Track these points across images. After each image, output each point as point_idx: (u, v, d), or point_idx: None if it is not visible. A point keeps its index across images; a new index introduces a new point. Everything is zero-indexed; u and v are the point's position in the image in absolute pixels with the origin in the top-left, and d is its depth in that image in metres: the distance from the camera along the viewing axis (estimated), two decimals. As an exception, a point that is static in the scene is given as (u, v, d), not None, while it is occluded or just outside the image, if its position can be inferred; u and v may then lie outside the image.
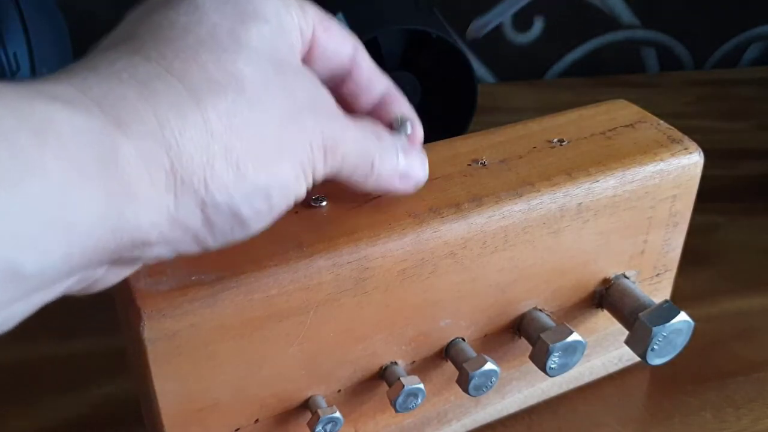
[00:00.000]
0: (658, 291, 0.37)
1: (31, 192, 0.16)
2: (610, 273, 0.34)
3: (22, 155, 0.16)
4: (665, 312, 0.31)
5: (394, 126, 0.28)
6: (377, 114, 0.28)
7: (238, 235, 0.22)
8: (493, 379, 0.30)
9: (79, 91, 0.18)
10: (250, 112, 0.21)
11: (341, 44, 0.27)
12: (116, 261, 0.20)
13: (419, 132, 0.29)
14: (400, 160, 0.27)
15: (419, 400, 0.29)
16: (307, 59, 0.26)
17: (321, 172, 0.23)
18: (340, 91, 0.28)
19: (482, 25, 0.32)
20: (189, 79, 0.20)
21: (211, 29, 0.21)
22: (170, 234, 0.20)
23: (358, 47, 0.27)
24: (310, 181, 0.23)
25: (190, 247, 0.21)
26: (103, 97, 0.18)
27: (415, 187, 0.28)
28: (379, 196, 0.29)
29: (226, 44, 0.21)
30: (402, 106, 0.29)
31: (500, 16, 0.32)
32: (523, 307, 0.32)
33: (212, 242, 0.21)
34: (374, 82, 0.28)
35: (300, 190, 0.23)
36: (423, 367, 0.31)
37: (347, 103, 0.28)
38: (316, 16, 0.25)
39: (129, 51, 0.20)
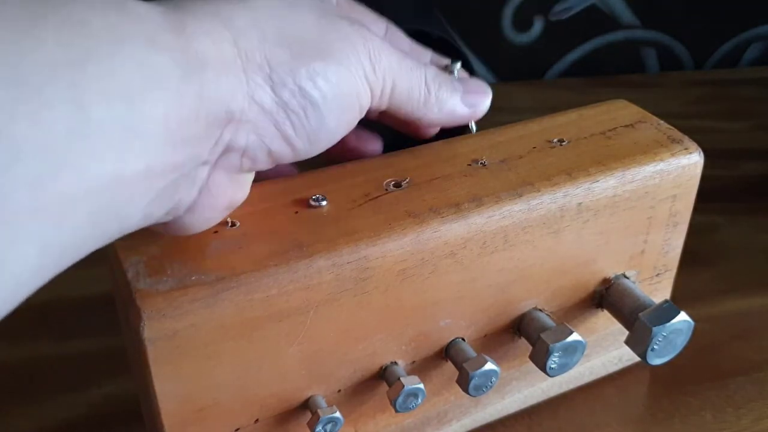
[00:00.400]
0: (658, 291, 0.37)
1: (126, 54, 0.18)
2: (610, 273, 0.34)
3: (114, 24, 0.18)
4: (665, 312, 0.31)
5: (445, 69, 0.30)
6: None
7: (315, 123, 0.24)
8: (493, 379, 0.30)
9: None
10: (287, 7, 0.23)
11: (372, 24, 0.28)
12: (212, 156, 0.22)
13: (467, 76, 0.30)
14: (455, 84, 0.29)
15: (419, 400, 0.29)
16: None
17: (374, 81, 0.25)
18: None
19: (566, 8, 0.33)
20: None
21: None
22: (250, 113, 0.22)
23: (390, 28, 0.29)
24: (367, 88, 0.25)
25: (276, 142, 0.23)
26: (164, 2, 0.21)
27: (482, 110, 0.30)
28: (378, 196, 0.29)
29: None
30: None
31: (584, 2, 0.32)
32: (523, 307, 0.32)
33: (293, 133, 0.23)
34: (418, 58, 0.29)
35: (359, 89, 0.25)
36: (423, 367, 0.31)
37: None
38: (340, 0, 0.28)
39: None
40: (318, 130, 0.24)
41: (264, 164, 0.24)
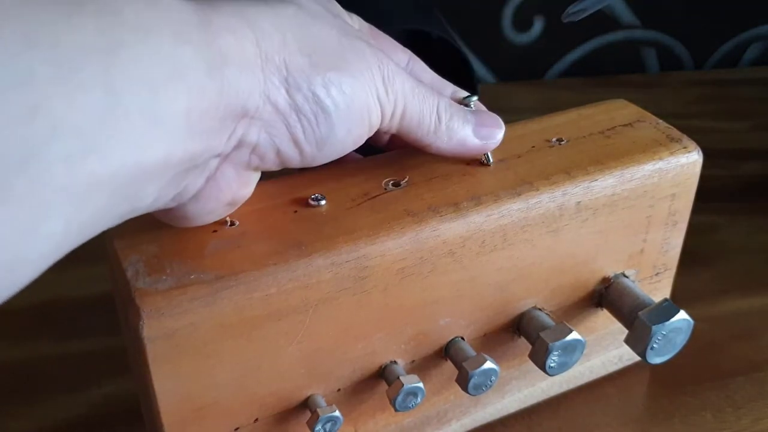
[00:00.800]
0: (658, 290, 0.37)
1: (155, 44, 0.19)
2: (610, 272, 0.34)
3: (143, 15, 0.19)
4: (665, 311, 0.31)
5: (460, 103, 0.30)
6: None
7: (325, 131, 0.24)
8: (493, 378, 0.30)
9: None
10: (312, 21, 0.24)
11: (392, 52, 0.29)
12: (225, 151, 0.23)
13: (482, 107, 0.31)
14: (469, 116, 0.29)
15: (419, 399, 0.29)
16: None
17: (385, 102, 0.26)
18: None
19: (581, 9, 0.33)
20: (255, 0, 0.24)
21: None
22: (264, 111, 0.23)
23: (413, 58, 0.30)
24: (378, 106, 0.26)
25: (286, 143, 0.24)
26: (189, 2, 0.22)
27: (494, 143, 0.30)
28: (377, 195, 0.29)
29: None
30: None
31: (599, 4, 0.32)
32: (523, 306, 0.32)
33: (303, 137, 0.24)
34: (439, 91, 0.30)
35: (371, 105, 0.25)
36: (422, 366, 0.31)
37: None
38: (363, 24, 0.29)
39: None
40: (327, 138, 0.25)
41: (272, 164, 0.25)
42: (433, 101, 0.28)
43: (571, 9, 0.33)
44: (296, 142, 0.24)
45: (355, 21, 0.29)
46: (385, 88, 0.26)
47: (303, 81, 0.23)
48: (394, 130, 0.28)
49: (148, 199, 0.21)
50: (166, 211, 0.24)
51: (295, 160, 0.25)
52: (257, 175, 0.26)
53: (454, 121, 0.29)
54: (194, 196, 0.24)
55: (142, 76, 0.18)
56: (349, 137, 0.25)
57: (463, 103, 0.30)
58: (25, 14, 0.16)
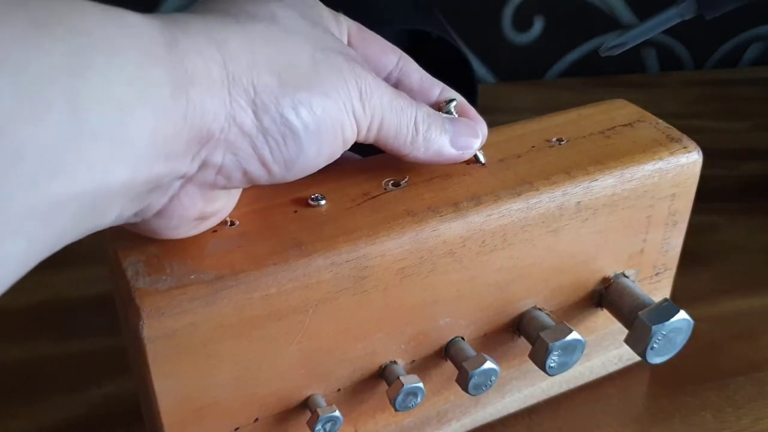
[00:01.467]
0: (658, 290, 0.37)
1: (122, 66, 0.19)
2: (610, 272, 0.34)
3: (112, 37, 0.19)
4: (665, 310, 0.31)
5: (441, 110, 0.30)
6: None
7: (293, 151, 0.24)
8: (493, 378, 0.30)
9: (139, 15, 0.21)
10: (284, 36, 0.24)
11: (381, 54, 0.29)
12: (189, 172, 0.22)
13: (468, 107, 0.31)
14: (446, 126, 0.29)
15: (419, 399, 0.29)
16: None
17: (361, 116, 0.25)
18: None
19: (619, 44, 0.33)
20: (227, 10, 0.23)
21: None
22: (230, 133, 0.22)
23: (404, 58, 0.30)
24: (353, 120, 0.25)
25: (252, 164, 0.23)
26: (161, 17, 0.21)
27: (471, 152, 0.30)
28: (377, 195, 0.29)
29: None
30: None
31: (641, 37, 0.33)
32: (523, 306, 0.32)
33: (270, 158, 0.23)
34: (426, 89, 0.30)
35: (343, 121, 0.25)
36: (422, 366, 0.31)
37: None
38: (352, 26, 0.28)
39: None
40: (296, 158, 0.24)
41: (239, 183, 0.24)
42: (411, 113, 0.27)
43: (609, 43, 0.33)
44: (263, 163, 0.24)
45: (342, 23, 0.28)
46: (362, 103, 0.25)
47: (271, 102, 0.23)
48: (370, 141, 0.27)
49: (110, 216, 0.21)
50: (133, 225, 0.24)
51: (263, 179, 0.24)
52: (226, 192, 0.26)
53: (432, 132, 0.28)
54: (157, 213, 0.23)
55: (109, 98, 0.18)
56: (320, 156, 0.25)
57: (445, 109, 0.30)
58: None
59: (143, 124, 0.19)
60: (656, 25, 0.33)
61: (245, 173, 0.24)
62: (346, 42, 0.28)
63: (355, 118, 0.25)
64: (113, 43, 0.19)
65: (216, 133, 0.22)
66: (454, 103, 0.30)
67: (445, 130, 0.29)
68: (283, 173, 0.24)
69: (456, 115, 0.30)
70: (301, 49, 0.24)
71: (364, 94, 0.25)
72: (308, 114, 0.24)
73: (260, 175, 0.24)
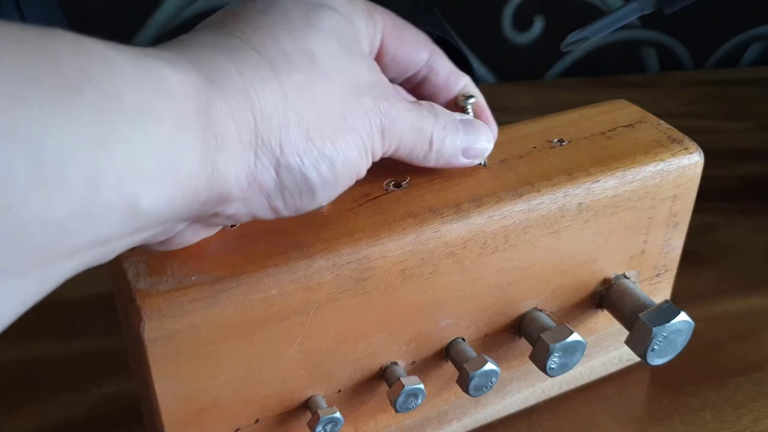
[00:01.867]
0: (659, 291, 0.37)
1: (152, 133, 0.18)
2: (610, 273, 0.34)
3: (145, 101, 0.18)
4: (665, 312, 0.31)
5: (458, 104, 0.30)
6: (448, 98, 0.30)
7: (306, 202, 0.24)
8: (493, 379, 0.30)
9: (177, 53, 0.21)
10: (318, 86, 0.23)
11: (414, 52, 0.28)
12: (199, 218, 0.22)
13: (485, 107, 0.31)
14: (460, 136, 0.29)
15: (419, 400, 0.29)
16: (377, 61, 0.27)
17: (379, 151, 0.25)
18: (418, 92, 0.30)
19: (580, 39, 0.33)
20: (265, 51, 0.22)
21: (284, 13, 0.24)
22: (248, 192, 0.22)
23: (435, 53, 0.29)
24: (370, 160, 0.25)
25: (263, 211, 0.23)
26: (197, 59, 0.21)
27: (481, 158, 0.30)
28: (378, 196, 0.29)
29: (298, 24, 0.23)
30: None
31: (602, 31, 0.32)
32: (524, 307, 0.32)
33: (282, 207, 0.23)
34: (451, 84, 0.30)
35: (361, 166, 0.25)
36: (423, 367, 0.31)
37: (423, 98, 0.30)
38: (387, 23, 0.27)
39: (212, 30, 0.23)
40: (307, 206, 0.24)
41: (244, 221, 0.24)
42: (428, 132, 0.27)
43: (570, 38, 0.33)
44: (274, 210, 0.23)
45: (378, 23, 0.27)
46: (383, 139, 0.25)
47: (295, 162, 0.22)
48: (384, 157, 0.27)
49: (110, 255, 0.20)
50: None
51: (269, 219, 0.24)
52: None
53: (446, 146, 0.28)
54: (159, 243, 0.23)
55: (132, 169, 0.18)
56: (330, 198, 0.25)
57: (461, 103, 0.30)
58: (16, 101, 0.15)
59: (162, 194, 0.19)
60: (616, 20, 0.33)
61: (254, 216, 0.23)
62: (378, 43, 0.27)
63: (373, 155, 0.25)
64: (146, 109, 0.18)
65: (234, 194, 0.22)
66: (472, 101, 0.30)
67: (457, 145, 0.29)
68: (290, 214, 0.24)
69: (472, 115, 0.30)
70: (334, 94, 0.23)
71: (386, 131, 0.25)
72: (329, 170, 0.23)
73: (268, 217, 0.24)
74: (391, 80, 0.28)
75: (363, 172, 0.25)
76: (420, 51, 0.29)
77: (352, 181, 0.25)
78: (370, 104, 0.24)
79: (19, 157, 0.15)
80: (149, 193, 0.18)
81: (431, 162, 0.28)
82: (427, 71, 0.29)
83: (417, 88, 0.30)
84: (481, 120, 0.30)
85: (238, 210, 0.23)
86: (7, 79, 0.15)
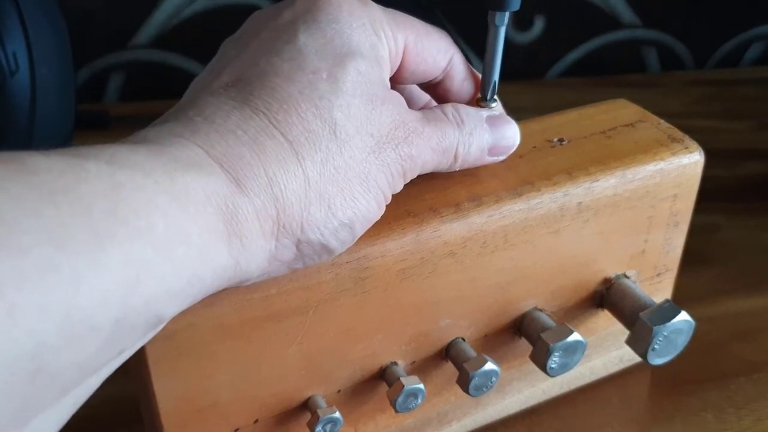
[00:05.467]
0: (659, 291, 0.37)
1: (181, 256, 0.18)
2: (611, 273, 0.34)
3: (176, 228, 0.18)
4: (666, 311, 0.31)
5: (481, 101, 0.29)
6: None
7: (324, 259, 0.24)
8: (494, 379, 0.30)
9: (204, 151, 0.21)
10: (341, 157, 0.23)
11: (433, 64, 0.28)
12: None
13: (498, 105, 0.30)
14: (486, 137, 0.28)
15: (419, 400, 0.29)
16: (395, 77, 0.27)
17: (400, 189, 0.25)
18: (432, 90, 0.30)
19: None
20: (290, 132, 0.22)
21: (312, 76, 0.23)
22: (268, 268, 0.22)
23: (454, 58, 0.28)
24: (390, 200, 0.25)
25: (280, 272, 0.24)
26: (224, 157, 0.21)
27: (507, 155, 0.29)
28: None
29: (323, 90, 0.23)
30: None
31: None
32: (524, 307, 0.32)
33: (301, 266, 0.24)
34: (466, 86, 0.29)
35: (379, 214, 0.25)
36: (423, 367, 0.31)
37: (437, 96, 0.30)
38: (410, 39, 0.27)
39: (240, 100, 0.22)
40: (325, 261, 0.24)
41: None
42: (452, 148, 0.27)
43: None
44: (292, 270, 0.24)
45: (399, 41, 0.26)
46: (404, 179, 0.25)
47: (316, 236, 0.23)
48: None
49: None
50: None
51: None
52: None
53: (471, 153, 0.28)
54: None
55: (161, 294, 0.18)
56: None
57: (485, 105, 0.29)
58: (49, 265, 0.15)
59: (187, 302, 0.19)
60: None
61: (269, 274, 0.24)
62: (399, 61, 0.27)
63: (393, 194, 0.25)
64: (176, 235, 0.18)
65: (255, 276, 0.22)
66: (495, 104, 0.29)
67: (483, 147, 0.28)
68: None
69: (497, 112, 0.29)
70: (356, 158, 0.23)
71: (408, 171, 0.25)
72: (348, 234, 0.24)
73: (281, 274, 0.24)
74: (408, 82, 0.28)
75: (379, 217, 0.25)
76: (438, 61, 0.28)
77: (365, 228, 0.25)
78: (392, 156, 0.24)
79: (49, 323, 0.15)
80: (175, 307, 0.19)
81: (456, 169, 0.28)
82: (443, 76, 0.29)
83: (431, 87, 0.29)
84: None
85: (256, 280, 0.23)
86: (42, 243, 0.15)
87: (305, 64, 0.23)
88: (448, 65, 0.28)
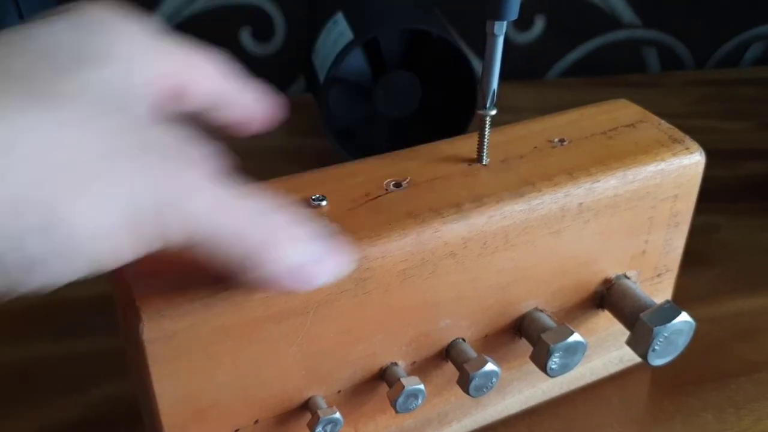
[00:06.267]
0: (659, 291, 0.37)
1: None
2: (611, 273, 0.34)
3: None
4: (666, 312, 0.31)
5: (480, 109, 0.28)
6: None
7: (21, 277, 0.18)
8: (494, 379, 0.30)
9: None
10: (58, 129, 0.18)
11: (210, 89, 0.25)
12: None
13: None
14: (303, 248, 0.23)
15: (419, 400, 0.29)
16: (169, 104, 0.24)
17: (153, 235, 0.20)
18: (212, 118, 0.27)
19: None
20: (12, 74, 0.19)
21: (59, 50, 0.20)
22: None
23: (230, 85, 0.26)
24: (134, 244, 0.20)
25: None
26: None
27: (319, 285, 0.24)
28: (379, 196, 0.29)
29: (67, 65, 0.20)
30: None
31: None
32: (524, 308, 0.32)
33: None
34: (250, 111, 0.27)
35: (116, 246, 0.19)
36: (423, 367, 0.31)
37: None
38: (184, 62, 0.24)
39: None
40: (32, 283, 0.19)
41: None
42: (247, 234, 0.22)
43: None
44: None
45: (171, 59, 0.23)
46: (158, 221, 0.20)
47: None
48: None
49: None
50: None
51: None
52: None
53: (276, 261, 0.22)
54: None
55: None
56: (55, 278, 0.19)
57: (484, 113, 0.29)
58: None
59: None
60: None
61: None
62: (172, 80, 0.24)
63: (143, 238, 0.20)
64: None
65: None
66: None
67: (293, 259, 0.23)
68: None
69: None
70: (82, 146, 0.19)
71: (170, 209, 0.20)
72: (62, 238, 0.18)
73: None
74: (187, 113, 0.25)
75: (123, 258, 0.20)
76: (216, 84, 0.25)
77: (99, 263, 0.19)
78: (140, 173, 0.19)
79: None
80: None
81: (255, 280, 0.23)
82: (222, 103, 0.26)
83: (212, 115, 0.26)
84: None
85: None
86: None
87: (56, 43, 0.21)
88: (225, 92, 0.26)
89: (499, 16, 0.27)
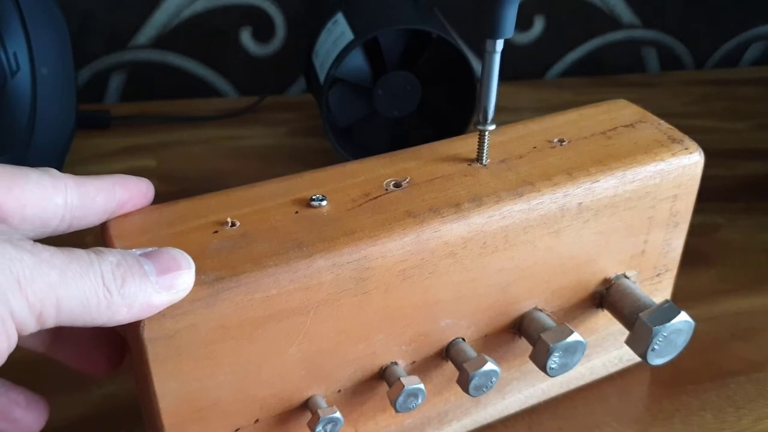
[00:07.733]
0: (659, 291, 0.37)
1: None
2: (611, 273, 0.34)
3: None
4: (666, 312, 0.31)
5: (478, 124, 0.29)
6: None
7: None
8: (494, 379, 0.30)
9: None
10: None
11: (47, 203, 0.25)
12: None
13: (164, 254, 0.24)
14: (144, 264, 0.23)
15: (419, 400, 0.29)
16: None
17: (24, 314, 0.21)
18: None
19: None
20: None
21: None
22: None
23: (70, 195, 0.25)
24: (11, 326, 0.21)
25: None
26: None
27: (186, 288, 0.24)
28: (379, 196, 0.29)
29: None
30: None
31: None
32: (524, 307, 0.32)
33: None
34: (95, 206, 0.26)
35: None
36: (423, 367, 0.31)
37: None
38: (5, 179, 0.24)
39: None
40: None
41: None
42: (95, 275, 0.22)
43: None
44: None
45: None
46: (25, 298, 0.20)
47: None
48: (51, 326, 0.22)
49: None
50: None
51: None
52: None
53: (129, 285, 0.23)
54: None
55: None
56: None
57: (483, 129, 0.29)
58: None
59: None
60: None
61: None
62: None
63: (15, 320, 0.21)
64: None
65: None
66: (492, 127, 0.28)
67: (144, 275, 0.23)
68: None
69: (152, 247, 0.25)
70: None
71: (24, 285, 0.21)
72: None
73: None
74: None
75: (12, 341, 0.21)
76: (54, 197, 0.25)
77: None
78: None
79: None
80: None
81: (123, 312, 0.23)
82: (63, 212, 0.25)
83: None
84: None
85: None
86: None
87: None
88: (64, 202, 0.25)
89: (494, 35, 0.27)
